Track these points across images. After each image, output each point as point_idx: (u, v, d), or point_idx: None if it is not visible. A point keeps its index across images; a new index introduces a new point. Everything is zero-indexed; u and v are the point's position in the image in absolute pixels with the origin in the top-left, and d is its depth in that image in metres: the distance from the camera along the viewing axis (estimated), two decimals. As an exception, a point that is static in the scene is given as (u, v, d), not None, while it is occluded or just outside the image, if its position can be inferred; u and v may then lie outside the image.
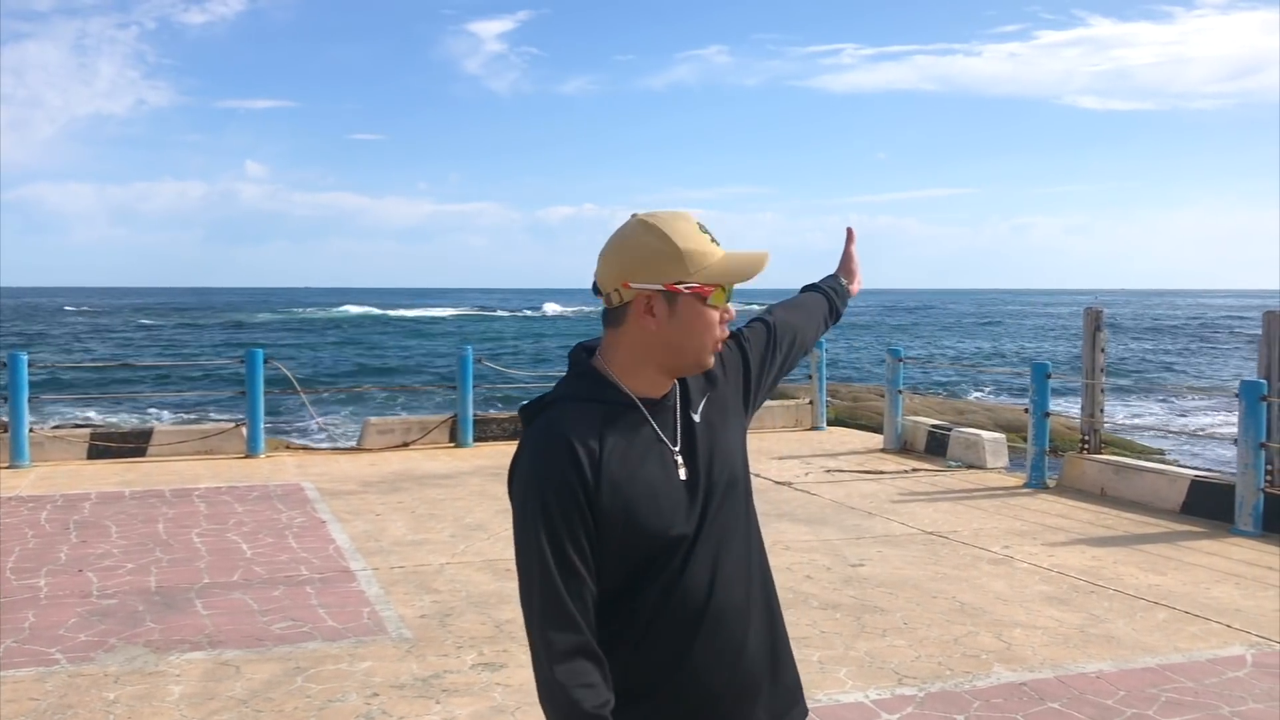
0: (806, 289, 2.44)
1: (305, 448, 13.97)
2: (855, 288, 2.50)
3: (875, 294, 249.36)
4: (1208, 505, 8.95)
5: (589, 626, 1.76)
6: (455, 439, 13.06)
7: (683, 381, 1.93)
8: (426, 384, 29.02)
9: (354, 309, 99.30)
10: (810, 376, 15.22)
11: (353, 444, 13.69)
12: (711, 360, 1.89)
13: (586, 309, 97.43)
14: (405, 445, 12.88)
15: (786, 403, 15.86)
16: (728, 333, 1.91)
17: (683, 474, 1.85)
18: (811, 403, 15.01)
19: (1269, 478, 8.61)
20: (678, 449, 1.87)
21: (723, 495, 1.89)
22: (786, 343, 2.18)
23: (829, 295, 2.42)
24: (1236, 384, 9.12)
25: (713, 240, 1.85)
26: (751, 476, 2.03)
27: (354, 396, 25.72)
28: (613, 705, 1.74)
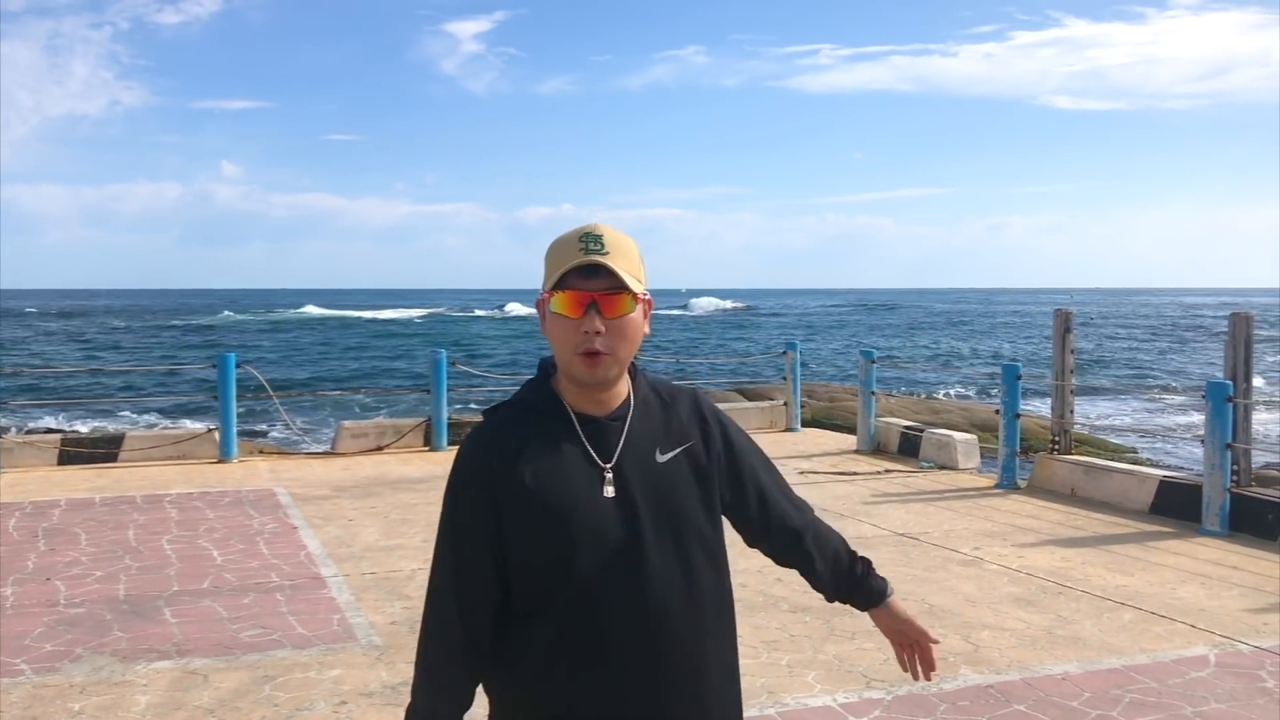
0: (843, 543, 2.19)
1: (278, 452, 13.92)
2: (881, 619, 2.24)
3: (852, 293, 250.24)
4: (1176, 505, 9.03)
5: (476, 617, 1.87)
6: (429, 442, 13.03)
7: (671, 418, 1.94)
8: (400, 387, 28.96)
9: (316, 310, 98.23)
10: (785, 378, 15.26)
11: (326, 448, 13.64)
12: (584, 371, 1.83)
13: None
14: (379, 449, 12.84)
15: (761, 404, 15.92)
16: (596, 347, 1.81)
17: (609, 491, 1.84)
18: (786, 404, 15.06)
19: (1235, 478, 8.70)
20: (609, 466, 1.86)
21: (667, 537, 1.86)
22: (749, 505, 2.04)
23: (845, 564, 2.16)
24: (1204, 384, 9.21)
25: (586, 250, 1.81)
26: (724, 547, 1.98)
27: (328, 400, 25.61)
28: (451, 710, 1.89)
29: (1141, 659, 5.55)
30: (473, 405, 22.82)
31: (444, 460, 12.15)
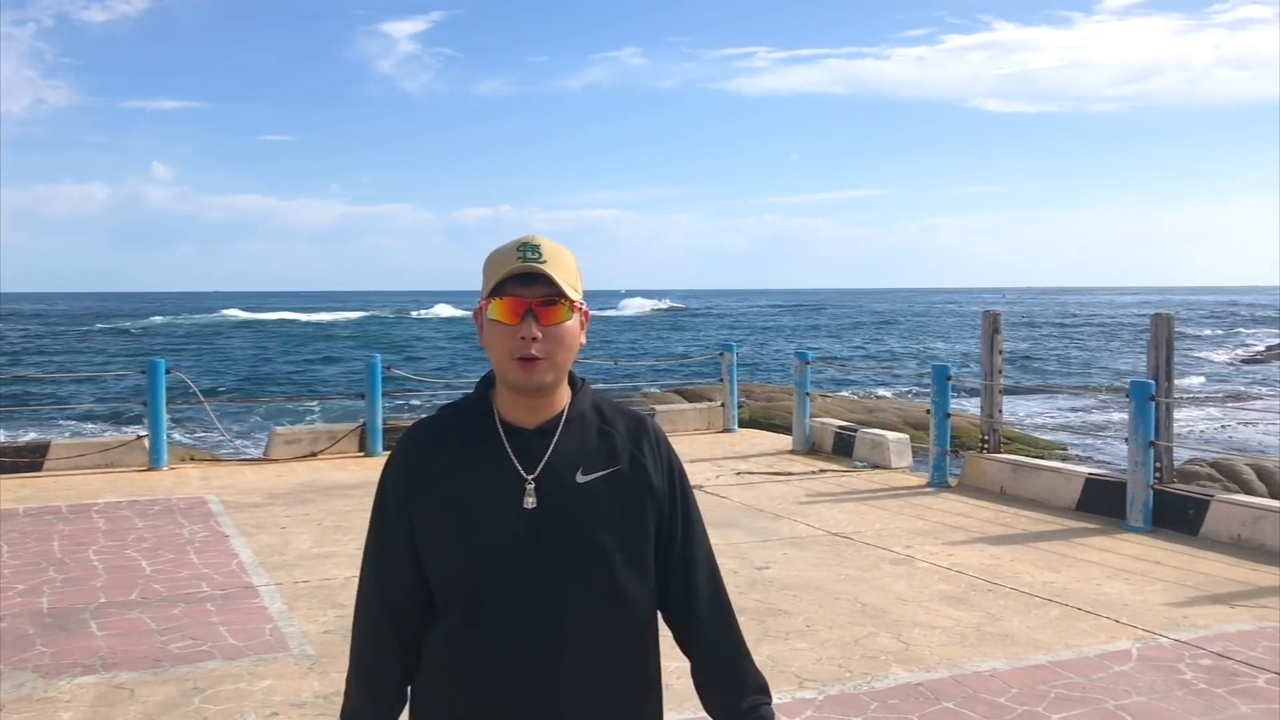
0: (751, 681, 2.00)
1: (210, 459, 13.69)
2: None
3: (791, 293, 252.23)
4: (1101, 502, 9.24)
5: (401, 611, 1.91)
6: (364, 448, 12.90)
7: (604, 439, 1.93)
8: (335, 392, 28.64)
9: (240, 314, 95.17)
10: (722, 380, 15.35)
11: (259, 454, 13.45)
12: (520, 378, 1.83)
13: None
14: (313, 455, 12.69)
15: (699, 405, 15.98)
16: (533, 352, 1.82)
17: (530, 502, 1.85)
18: (723, 405, 15.14)
19: (1158, 475, 8.92)
20: (532, 477, 1.86)
21: (577, 560, 1.84)
22: (673, 554, 1.97)
23: (736, 694, 1.97)
24: (1128, 383, 9.42)
25: (524, 258, 1.82)
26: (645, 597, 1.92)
27: (261, 405, 25.24)
28: (379, 706, 1.92)
29: (1067, 654, 5.67)
30: (414, 403, 22.61)
31: (379, 466, 11.96)
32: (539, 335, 1.82)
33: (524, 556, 1.83)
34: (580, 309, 1.88)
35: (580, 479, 1.88)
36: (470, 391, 2.00)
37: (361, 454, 12.84)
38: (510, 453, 1.88)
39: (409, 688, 1.95)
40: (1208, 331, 67.49)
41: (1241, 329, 70.75)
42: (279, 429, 13.33)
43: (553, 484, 1.86)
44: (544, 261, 1.82)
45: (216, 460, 13.45)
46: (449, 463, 1.88)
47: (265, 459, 12.70)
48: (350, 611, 6.44)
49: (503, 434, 1.89)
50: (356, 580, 6.79)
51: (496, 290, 1.83)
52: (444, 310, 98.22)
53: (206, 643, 5.84)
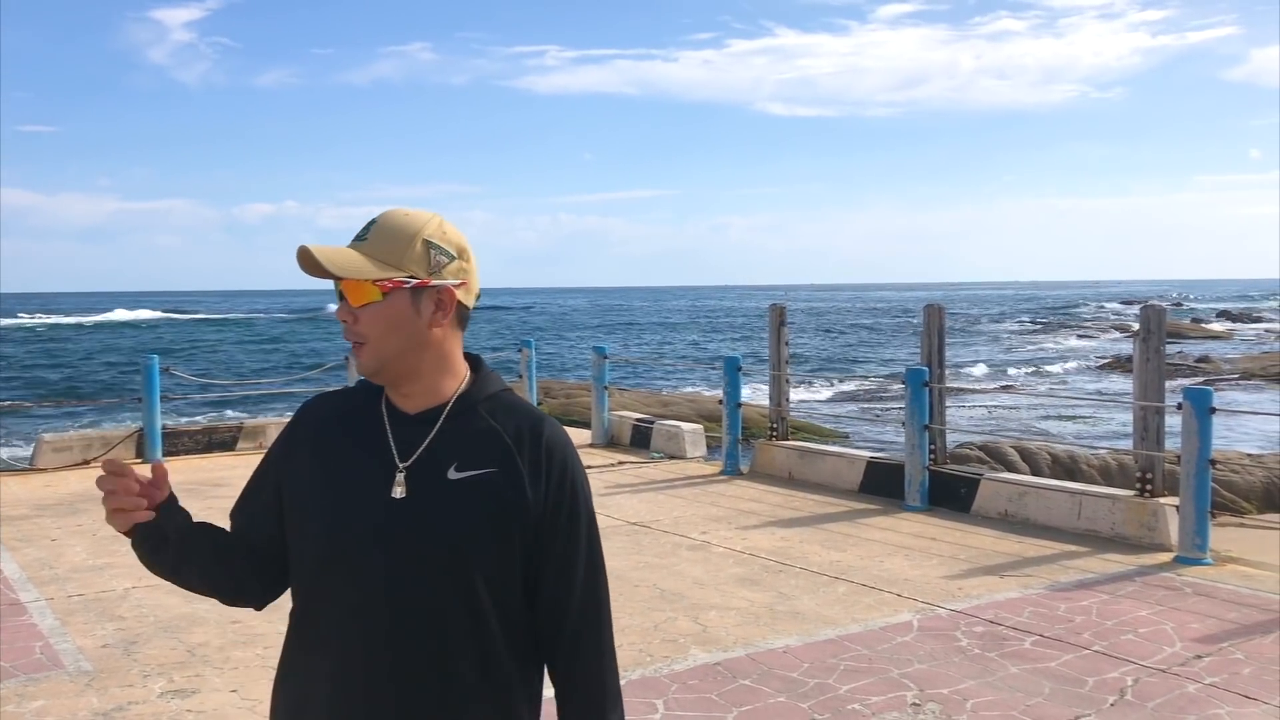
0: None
1: (-33, 470, 12.69)
2: None
3: (587, 292, 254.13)
4: (882, 484, 9.73)
5: (243, 529, 1.88)
6: (142, 454, 12.24)
7: (488, 437, 1.79)
8: (108, 395, 27.06)
9: None
10: (520, 376, 15.32)
11: (24, 464, 12.57)
12: (360, 360, 1.78)
13: (171, 314, 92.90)
14: (86, 463, 11.94)
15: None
16: (351, 336, 1.76)
17: (399, 492, 1.74)
18: (521, 401, 15.10)
19: (932, 456, 9.46)
20: (404, 466, 1.76)
21: (437, 562, 1.73)
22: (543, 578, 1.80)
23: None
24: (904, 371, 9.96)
25: (358, 237, 1.77)
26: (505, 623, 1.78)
27: (24, 412, 23.60)
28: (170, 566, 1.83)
29: (854, 628, 5.95)
30: (188, 414, 21.60)
31: (160, 472, 11.44)
32: (348, 319, 1.75)
33: (375, 546, 1.73)
34: (402, 285, 1.72)
35: (452, 475, 1.75)
36: None
37: (139, 460, 12.17)
38: (390, 438, 1.78)
39: (250, 582, 1.88)
40: (1028, 322, 72.04)
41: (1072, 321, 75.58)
42: (46, 436, 12.47)
43: (423, 476, 1.75)
44: (363, 239, 1.75)
45: (-25, 472, 12.48)
46: (329, 438, 1.82)
47: (31, 469, 11.87)
48: (131, 624, 6.14)
49: (386, 418, 1.80)
50: (137, 591, 6.47)
51: None
52: (122, 314, 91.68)
53: (-32, 665, 5.43)
